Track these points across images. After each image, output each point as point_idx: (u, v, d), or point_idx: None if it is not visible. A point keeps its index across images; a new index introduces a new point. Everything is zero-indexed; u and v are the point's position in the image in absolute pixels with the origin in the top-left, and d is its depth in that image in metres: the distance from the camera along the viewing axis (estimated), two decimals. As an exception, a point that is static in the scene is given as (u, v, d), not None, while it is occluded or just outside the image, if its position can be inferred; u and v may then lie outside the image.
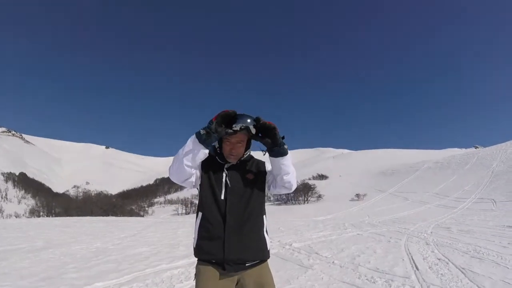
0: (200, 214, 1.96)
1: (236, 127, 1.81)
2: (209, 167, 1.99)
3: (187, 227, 16.01)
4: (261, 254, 1.94)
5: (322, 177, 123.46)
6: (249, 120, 1.85)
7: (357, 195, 61.39)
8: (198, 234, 1.93)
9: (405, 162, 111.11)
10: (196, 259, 1.94)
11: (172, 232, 13.22)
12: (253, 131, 1.85)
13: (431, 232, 12.14)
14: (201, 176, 1.98)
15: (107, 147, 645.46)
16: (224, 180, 1.95)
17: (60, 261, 6.75)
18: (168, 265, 6.08)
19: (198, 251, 1.92)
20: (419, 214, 28.00)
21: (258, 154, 2.14)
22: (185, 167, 1.80)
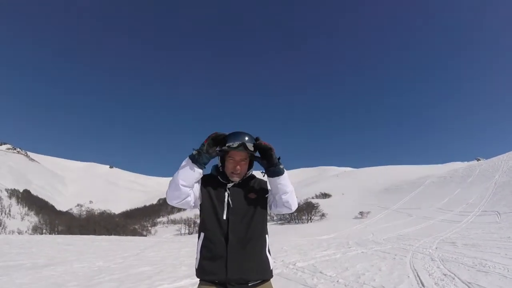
0: (202, 234, 1.97)
1: (234, 144, 1.89)
2: (210, 187, 2.00)
3: (190, 247, 15.88)
4: (264, 274, 1.94)
5: (325, 195, 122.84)
6: (247, 138, 1.93)
7: (361, 213, 61.03)
8: (200, 254, 1.93)
9: (408, 178, 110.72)
10: (198, 279, 1.95)
11: (175, 251, 13.12)
12: (250, 147, 1.90)
13: (436, 248, 12.03)
14: (202, 196, 1.99)
15: (111, 167, 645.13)
16: (226, 199, 1.96)
17: (61, 279, 6.70)
18: (170, 285, 6.02)
19: (201, 271, 1.91)
20: (424, 230, 27.81)
21: (259, 174, 2.20)
22: (181, 186, 1.83)
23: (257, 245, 1.94)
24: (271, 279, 2.01)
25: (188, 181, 1.84)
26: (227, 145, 1.91)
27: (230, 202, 1.95)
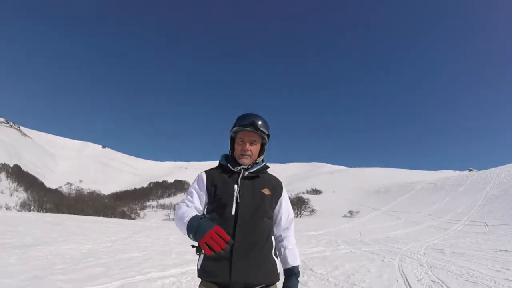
0: None
1: (243, 122, 1.82)
2: (218, 179, 1.85)
3: (179, 234, 15.73)
4: (270, 278, 1.78)
5: (316, 192, 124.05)
6: (259, 121, 1.83)
7: (350, 212, 61.73)
8: (203, 256, 1.76)
9: (399, 182, 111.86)
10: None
11: (164, 238, 13.03)
12: (262, 128, 1.83)
13: (424, 253, 12.10)
14: (209, 192, 1.84)
15: (103, 147, 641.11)
16: (236, 193, 1.78)
17: (48, 261, 6.55)
18: (159, 273, 5.90)
19: (203, 272, 1.75)
20: (412, 234, 28.06)
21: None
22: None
23: (265, 246, 1.77)
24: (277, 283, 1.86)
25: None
26: (237, 125, 1.83)
27: (239, 197, 1.77)
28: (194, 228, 1.53)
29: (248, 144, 1.84)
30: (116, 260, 7.04)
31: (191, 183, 1.96)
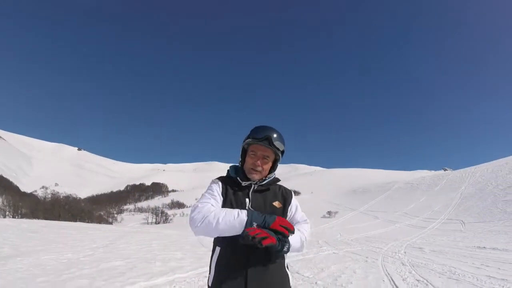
0: (218, 248, 1.75)
1: (258, 135, 1.77)
2: (229, 191, 1.80)
3: (161, 239, 15.55)
4: None
5: (294, 193, 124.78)
6: (275, 135, 1.78)
7: (329, 212, 62.76)
8: (215, 270, 1.72)
9: (376, 182, 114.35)
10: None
11: (146, 244, 12.74)
12: (277, 144, 1.78)
13: (405, 252, 12.39)
14: (223, 198, 1.79)
15: (79, 149, 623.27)
16: (247, 207, 1.74)
17: (29, 273, 6.19)
18: (147, 283, 5.69)
19: (216, 283, 1.70)
20: (390, 233, 28.72)
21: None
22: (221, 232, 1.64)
23: (278, 260, 1.75)
24: None
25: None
26: (251, 137, 1.77)
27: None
28: (261, 216, 1.63)
29: (260, 159, 1.79)
30: (99, 270, 6.76)
31: (207, 188, 1.86)
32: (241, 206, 1.74)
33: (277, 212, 1.79)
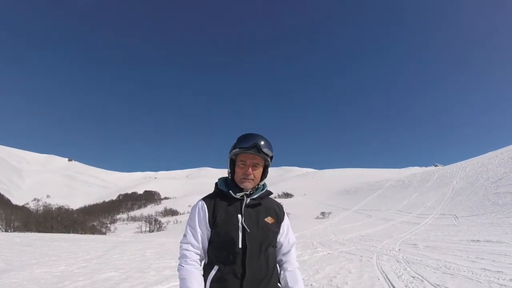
0: (213, 268, 1.66)
1: (246, 144, 1.70)
2: (220, 207, 1.72)
3: (155, 248, 15.43)
4: None
5: (287, 195, 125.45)
6: (262, 142, 1.72)
7: (322, 213, 62.97)
8: (211, 287, 1.64)
9: (367, 181, 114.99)
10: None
11: (140, 254, 12.63)
12: (266, 151, 1.72)
13: (399, 249, 12.50)
14: (212, 224, 1.71)
15: (70, 160, 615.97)
16: (240, 224, 1.67)
17: (23, 287, 6.10)
18: (142, 293, 5.68)
19: None
20: (384, 231, 28.94)
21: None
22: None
23: (272, 278, 1.70)
24: None
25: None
26: (238, 147, 1.72)
27: (246, 227, 1.66)
28: None
29: (250, 168, 1.73)
30: (93, 281, 6.66)
31: (189, 216, 1.78)
32: (234, 224, 1.68)
33: (271, 229, 1.76)
